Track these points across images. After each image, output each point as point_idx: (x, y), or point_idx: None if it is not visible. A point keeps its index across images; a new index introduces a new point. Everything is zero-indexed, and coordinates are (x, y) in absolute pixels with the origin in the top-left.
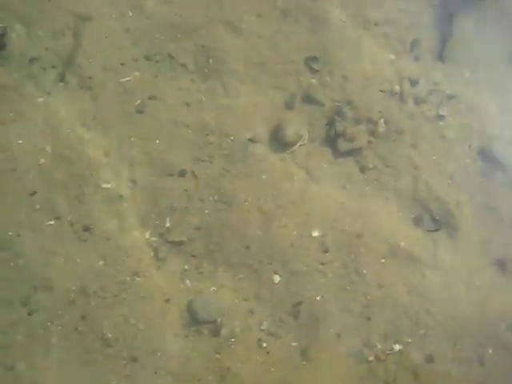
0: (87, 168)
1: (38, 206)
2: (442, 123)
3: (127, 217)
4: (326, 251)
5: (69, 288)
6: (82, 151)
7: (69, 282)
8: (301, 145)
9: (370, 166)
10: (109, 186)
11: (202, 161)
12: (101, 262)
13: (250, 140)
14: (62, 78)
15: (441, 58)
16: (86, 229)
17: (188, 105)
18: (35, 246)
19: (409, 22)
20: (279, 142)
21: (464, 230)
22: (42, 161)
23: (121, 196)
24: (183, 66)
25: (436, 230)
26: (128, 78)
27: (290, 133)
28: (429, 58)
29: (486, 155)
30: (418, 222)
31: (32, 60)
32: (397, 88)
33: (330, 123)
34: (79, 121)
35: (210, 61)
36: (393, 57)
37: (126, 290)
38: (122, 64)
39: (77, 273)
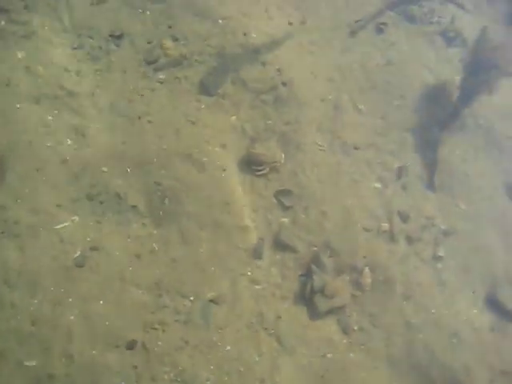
0: (8, 340)
1: None
2: (440, 265)
3: None
4: None
5: None
6: (2, 317)
7: None
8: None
9: (355, 327)
10: (34, 363)
11: (155, 329)
12: None
13: (212, 301)
14: None
15: (431, 187)
16: None
17: (138, 257)
18: None
19: (391, 147)
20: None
21: None
22: None
23: (52, 375)
24: (133, 207)
25: None
26: (65, 224)
27: None
28: (418, 186)
29: (493, 303)
30: None
31: None
32: (385, 225)
33: (306, 274)
34: (0, 278)
35: (166, 201)
36: (378, 185)
37: None
38: (57, 206)
39: None
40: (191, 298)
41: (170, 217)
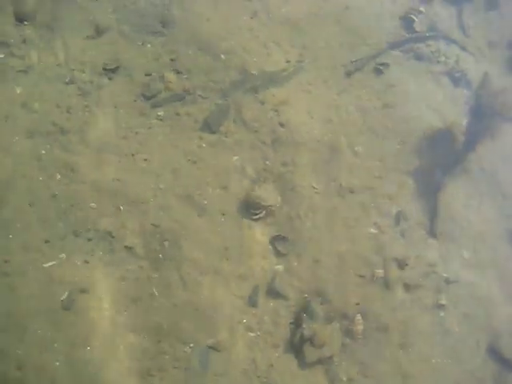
0: None
1: None
2: (442, 314)
3: None
4: None
5: None
6: None
7: None
8: None
9: (344, 378)
10: None
11: (151, 376)
12: None
13: (211, 348)
14: None
15: (432, 233)
16: None
17: (134, 301)
18: None
19: (389, 191)
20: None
21: None
22: None
23: None
24: (128, 248)
25: None
26: (52, 263)
27: None
28: (418, 233)
29: (497, 354)
30: None
31: None
32: (379, 272)
33: (296, 322)
34: None
35: (166, 244)
36: (374, 231)
37: None
38: (46, 241)
39: None
40: (191, 345)
41: (170, 260)
